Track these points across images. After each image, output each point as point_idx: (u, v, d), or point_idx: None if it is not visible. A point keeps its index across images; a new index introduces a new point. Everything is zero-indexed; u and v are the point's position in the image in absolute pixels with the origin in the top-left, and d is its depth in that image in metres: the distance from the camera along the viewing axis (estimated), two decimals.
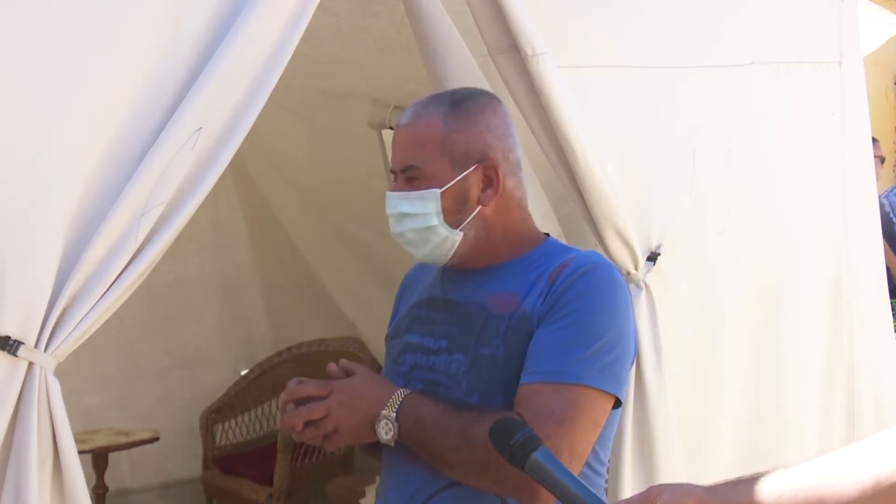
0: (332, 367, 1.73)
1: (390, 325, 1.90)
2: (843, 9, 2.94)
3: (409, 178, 1.71)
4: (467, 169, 1.70)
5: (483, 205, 1.72)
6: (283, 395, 1.69)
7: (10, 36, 1.68)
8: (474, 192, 1.71)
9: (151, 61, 1.79)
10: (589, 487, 1.28)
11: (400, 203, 1.71)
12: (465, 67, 2.20)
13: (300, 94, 3.51)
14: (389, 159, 1.77)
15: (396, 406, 1.64)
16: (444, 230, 1.70)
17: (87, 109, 1.74)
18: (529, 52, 2.16)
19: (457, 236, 1.70)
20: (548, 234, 1.82)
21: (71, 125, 1.72)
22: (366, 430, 1.66)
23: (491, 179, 1.73)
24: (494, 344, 1.65)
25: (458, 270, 1.76)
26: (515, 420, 1.41)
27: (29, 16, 1.70)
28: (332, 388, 1.66)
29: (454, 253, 1.72)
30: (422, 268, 1.90)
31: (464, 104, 1.74)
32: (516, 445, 1.34)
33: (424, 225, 1.69)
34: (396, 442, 1.65)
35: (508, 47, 2.20)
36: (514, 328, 1.65)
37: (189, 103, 1.77)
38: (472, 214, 1.71)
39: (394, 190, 1.73)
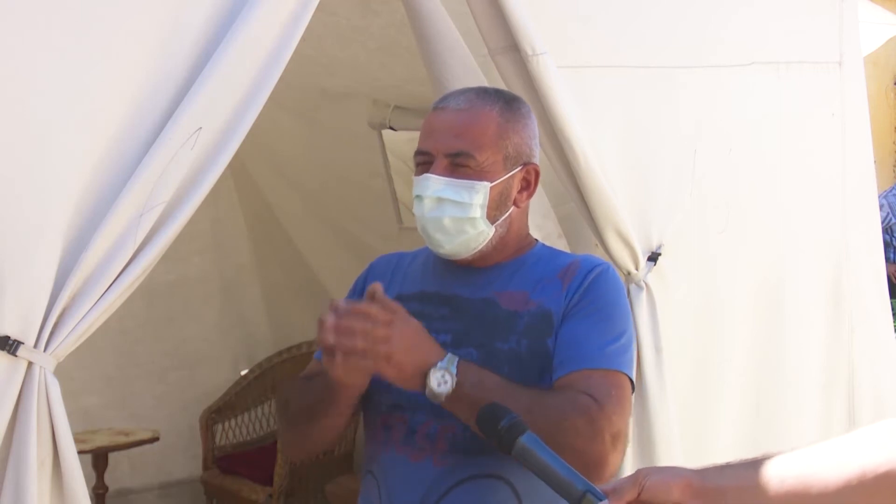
0: (377, 286, 1.60)
1: None
2: (843, 9, 2.94)
3: (456, 164, 1.67)
4: (515, 168, 1.71)
5: (517, 206, 1.73)
6: (329, 309, 1.56)
7: (9, 36, 1.68)
8: (514, 192, 1.72)
9: (151, 61, 1.79)
10: (574, 470, 1.28)
11: (444, 188, 1.66)
12: (466, 67, 2.20)
13: (300, 94, 3.51)
14: (419, 142, 1.70)
15: (455, 363, 1.56)
16: (482, 224, 1.68)
17: (87, 109, 1.74)
18: (529, 52, 2.16)
19: (491, 231, 1.70)
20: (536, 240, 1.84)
21: (71, 125, 1.72)
22: (415, 376, 1.54)
23: (529, 182, 1.75)
24: (513, 339, 1.66)
25: (460, 267, 1.75)
26: (501, 406, 1.40)
27: (29, 16, 1.70)
28: (395, 317, 1.55)
29: (480, 248, 1.71)
30: (394, 260, 1.88)
31: (515, 104, 1.74)
32: (503, 430, 1.34)
33: (466, 215, 1.67)
34: (448, 397, 1.54)
35: (508, 47, 2.20)
36: (534, 324, 1.66)
37: (189, 103, 1.77)
38: (507, 213, 1.72)
39: (435, 173, 1.67)
